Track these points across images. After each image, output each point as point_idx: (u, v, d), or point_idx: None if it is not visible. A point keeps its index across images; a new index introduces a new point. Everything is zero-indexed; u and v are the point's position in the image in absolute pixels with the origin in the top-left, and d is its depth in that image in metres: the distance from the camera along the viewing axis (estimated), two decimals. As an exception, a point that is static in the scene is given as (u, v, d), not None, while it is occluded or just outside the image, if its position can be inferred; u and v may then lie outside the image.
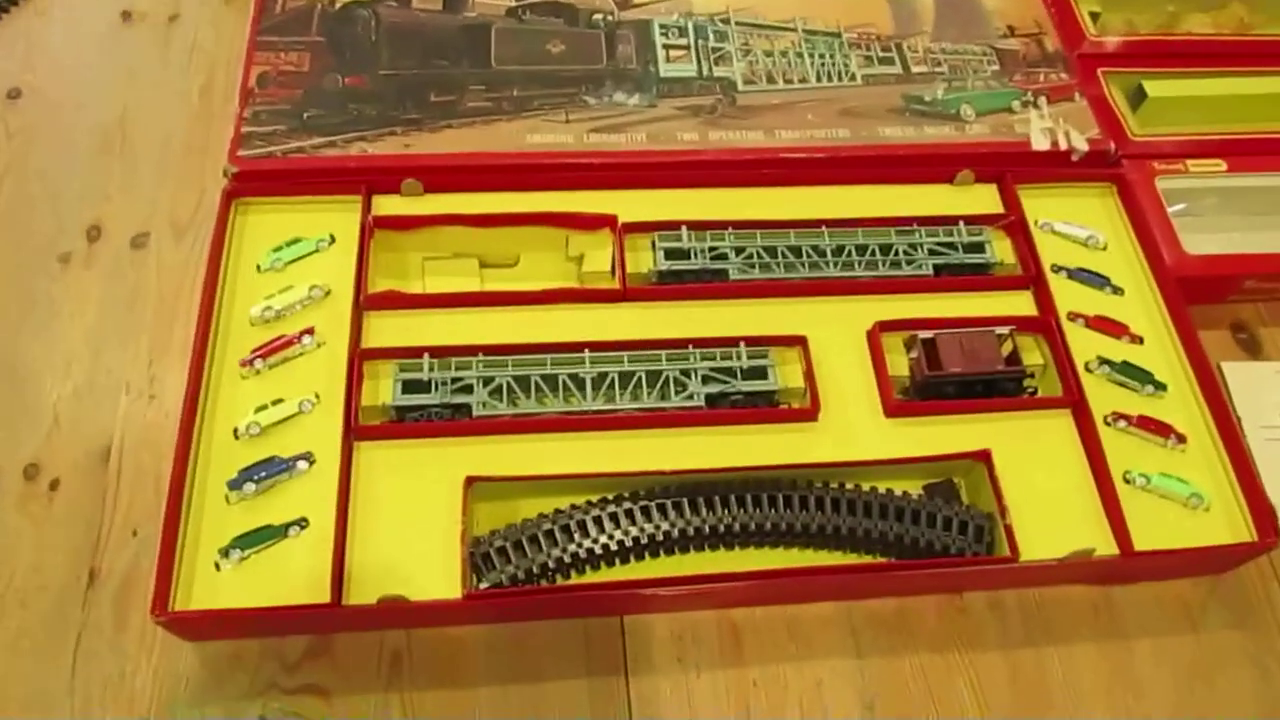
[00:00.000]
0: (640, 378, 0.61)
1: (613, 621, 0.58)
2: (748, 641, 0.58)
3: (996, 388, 0.63)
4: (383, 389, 0.60)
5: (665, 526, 0.57)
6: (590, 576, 0.58)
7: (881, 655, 0.58)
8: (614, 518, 0.57)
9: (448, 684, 0.56)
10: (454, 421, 0.59)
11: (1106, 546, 0.58)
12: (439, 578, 0.54)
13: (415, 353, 0.60)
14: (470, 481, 0.57)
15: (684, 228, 0.66)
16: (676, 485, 0.58)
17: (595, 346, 0.61)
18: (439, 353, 0.60)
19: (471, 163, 0.68)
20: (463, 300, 0.64)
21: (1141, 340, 0.66)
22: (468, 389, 0.60)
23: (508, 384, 0.60)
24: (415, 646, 0.57)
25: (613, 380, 0.61)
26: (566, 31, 0.75)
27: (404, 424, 0.59)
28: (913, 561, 0.56)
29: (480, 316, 0.63)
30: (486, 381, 0.60)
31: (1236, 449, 0.61)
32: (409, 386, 0.59)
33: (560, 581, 0.57)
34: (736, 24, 0.77)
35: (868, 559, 0.59)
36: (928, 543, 0.58)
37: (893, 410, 0.62)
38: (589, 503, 0.58)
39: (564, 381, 0.60)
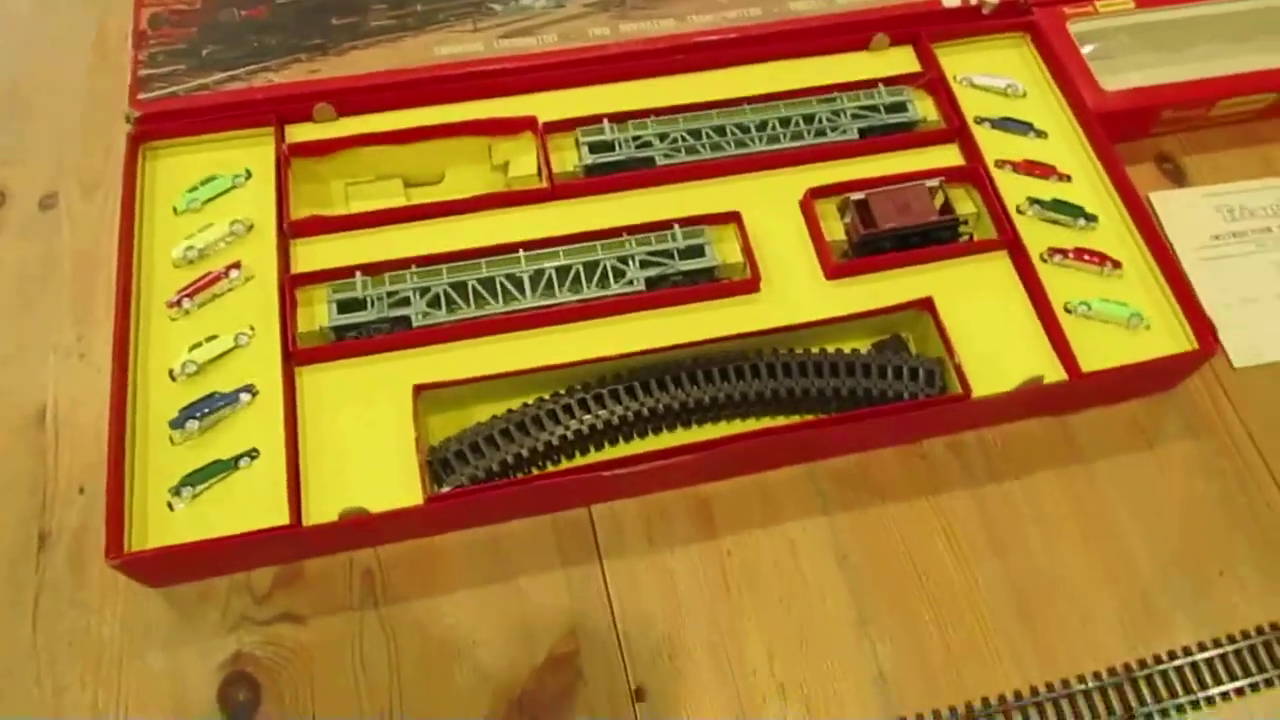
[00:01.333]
0: (578, 270, 0.60)
1: (581, 513, 0.58)
2: (718, 514, 0.58)
3: (932, 238, 0.63)
4: (319, 314, 0.59)
5: (620, 411, 0.57)
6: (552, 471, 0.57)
7: (850, 510, 0.59)
8: (568, 409, 0.57)
9: (424, 593, 0.55)
10: (394, 334, 0.58)
11: (1055, 374, 0.58)
12: (399, 490, 0.54)
13: (347, 273, 0.59)
14: (418, 390, 0.56)
15: (605, 121, 0.65)
16: (629, 370, 0.58)
17: (529, 246, 0.61)
18: (371, 270, 0.59)
19: (382, 81, 0.66)
20: (389, 217, 0.62)
21: (1069, 178, 0.67)
22: (404, 302, 0.59)
23: (444, 292, 0.59)
24: (385, 562, 0.56)
25: (550, 276, 0.60)
26: (463, -58, 0.74)
27: (343, 343, 0.58)
28: (867, 410, 0.57)
29: (409, 232, 0.62)
30: (423, 292, 0.59)
31: (1171, 268, 0.62)
32: (344, 306, 0.58)
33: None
34: (635, -82, 0.76)
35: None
36: (881, 393, 0.58)
37: (832, 272, 0.62)
38: (541, 399, 0.58)
39: (501, 283, 0.60)
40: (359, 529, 0.54)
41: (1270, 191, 0.72)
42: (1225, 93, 0.71)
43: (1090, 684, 0.54)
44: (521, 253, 0.60)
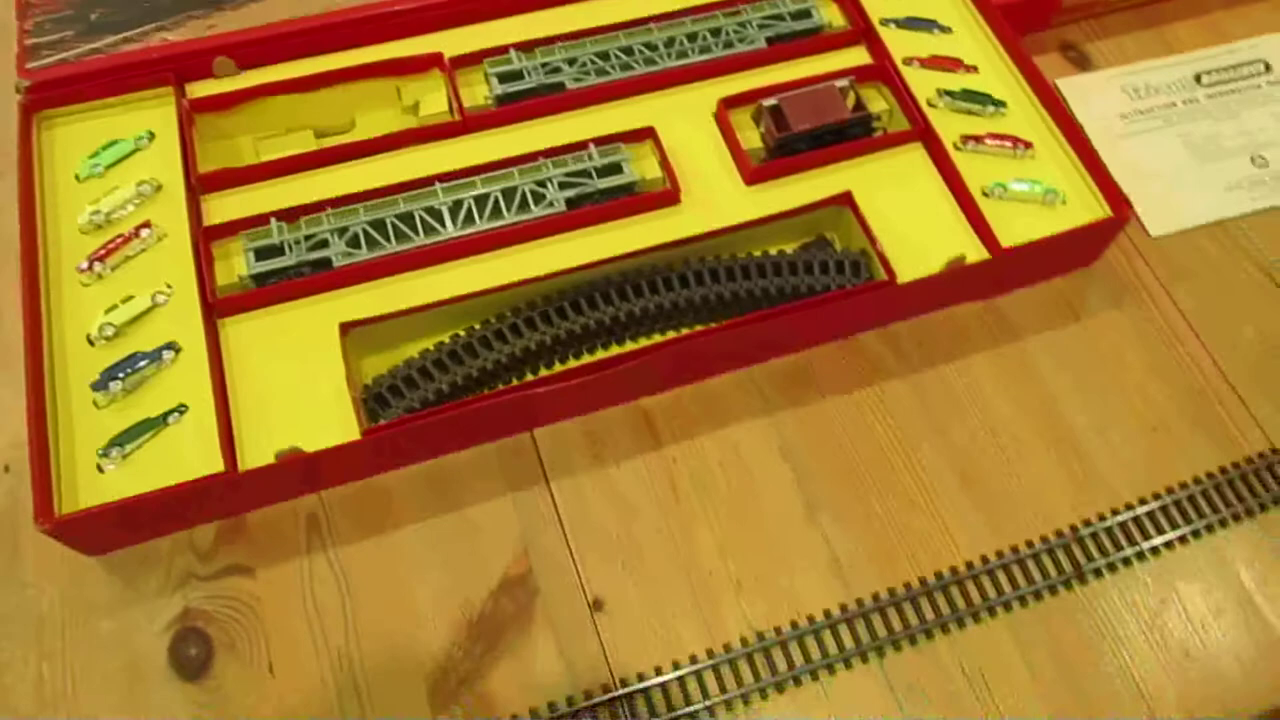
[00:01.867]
0: (497, 198, 0.60)
1: (523, 439, 0.58)
2: (661, 425, 0.58)
3: (847, 136, 0.63)
4: (238, 266, 0.58)
5: (552, 332, 0.57)
6: (491, 399, 0.57)
7: (791, 408, 0.59)
8: (500, 335, 0.57)
9: (372, 531, 0.55)
10: (316, 276, 0.57)
11: (978, 255, 0.59)
12: (335, 429, 0.53)
13: (262, 221, 0.58)
14: (345, 329, 0.55)
15: (512, 50, 0.65)
16: (558, 291, 0.58)
17: (445, 179, 0.60)
18: (286, 216, 0.58)
19: (281, 30, 0.65)
20: (300, 164, 0.61)
21: (976, 69, 0.68)
22: (323, 244, 0.58)
23: (363, 231, 0.58)
24: (330, 506, 0.55)
25: (469, 206, 0.59)
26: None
27: (264, 289, 0.56)
28: (795, 304, 0.57)
29: (322, 177, 0.61)
30: (341, 233, 0.58)
31: (1082, 145, 0.63)
32: (262, 254, 0.57)
33: (461, 407, 0.56)
34: None
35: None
36: (809, 288, 0.58)
37: (751, 177, 0.62)
38: (473, 328, 0.57)
39: (421, 217, 0.59)
40: (299, 472, 0.54)
41: (1172, 69, 0.73)
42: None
43: (1039, 546, 0.55)
44: (438, 185, 0.60)
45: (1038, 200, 0.62)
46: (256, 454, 0.52)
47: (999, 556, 0.55)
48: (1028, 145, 0.64)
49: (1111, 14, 0.76)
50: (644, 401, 0.59)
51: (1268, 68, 0.73)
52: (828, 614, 0.53)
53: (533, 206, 0.60)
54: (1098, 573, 0.55)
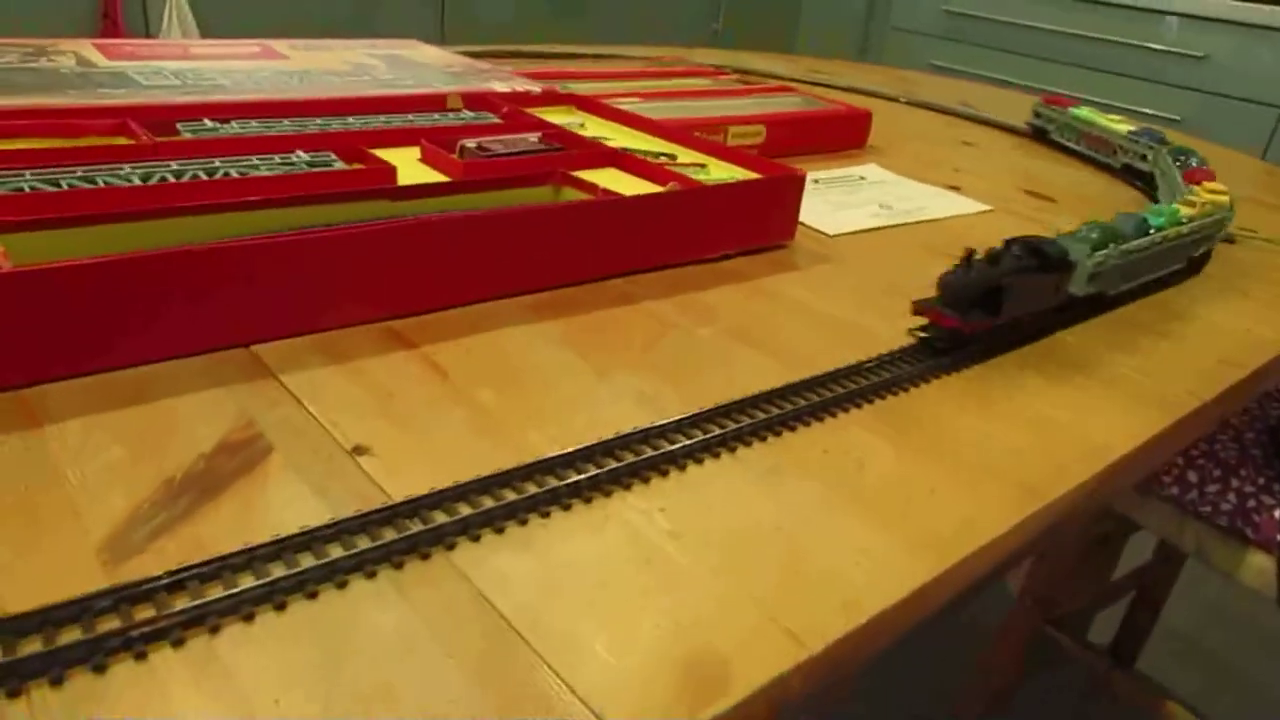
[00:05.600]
0: (197, 173, 0.55)
1: (238, 353, 0.46)
2: (415, 336, 0.50)
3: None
4: None
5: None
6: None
7: (560, 318, 0.54)
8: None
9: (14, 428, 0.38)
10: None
11: (690, 197, 0.64)
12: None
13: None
14: None
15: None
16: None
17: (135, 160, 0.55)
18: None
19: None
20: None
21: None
22: None
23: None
24: (-55, 421, 0.39)
25: (162, 176, 0.54)
26: None
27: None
28: (510, 210, 0.55)
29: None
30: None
31: (748, 159, 0.73)
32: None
33: None
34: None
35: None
36: (545, 216, 0.58)
37: (465, 173, 0.63)
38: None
39: (103, 179, 0.52)
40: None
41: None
42: (730, 121, 0.91)
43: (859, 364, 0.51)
44: (127, 165, 0.54)
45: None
46: None
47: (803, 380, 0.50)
48: (702, 165, 0.73)
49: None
50: (392, 323, 0.51)
51: (863, 179, 0.92)
52: (653, 424, 0.44)
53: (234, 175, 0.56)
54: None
